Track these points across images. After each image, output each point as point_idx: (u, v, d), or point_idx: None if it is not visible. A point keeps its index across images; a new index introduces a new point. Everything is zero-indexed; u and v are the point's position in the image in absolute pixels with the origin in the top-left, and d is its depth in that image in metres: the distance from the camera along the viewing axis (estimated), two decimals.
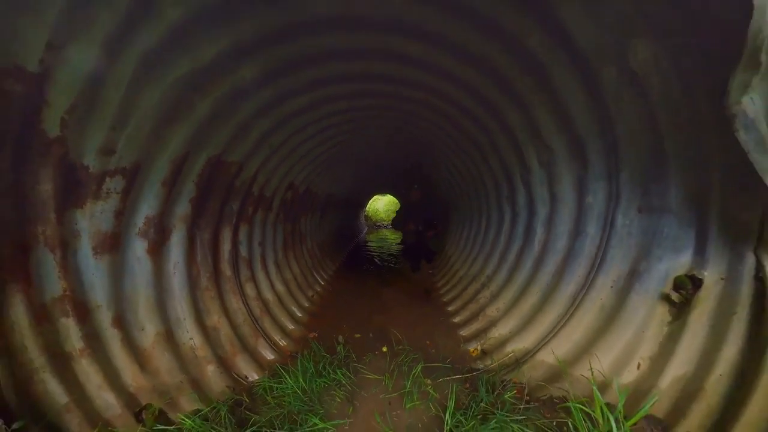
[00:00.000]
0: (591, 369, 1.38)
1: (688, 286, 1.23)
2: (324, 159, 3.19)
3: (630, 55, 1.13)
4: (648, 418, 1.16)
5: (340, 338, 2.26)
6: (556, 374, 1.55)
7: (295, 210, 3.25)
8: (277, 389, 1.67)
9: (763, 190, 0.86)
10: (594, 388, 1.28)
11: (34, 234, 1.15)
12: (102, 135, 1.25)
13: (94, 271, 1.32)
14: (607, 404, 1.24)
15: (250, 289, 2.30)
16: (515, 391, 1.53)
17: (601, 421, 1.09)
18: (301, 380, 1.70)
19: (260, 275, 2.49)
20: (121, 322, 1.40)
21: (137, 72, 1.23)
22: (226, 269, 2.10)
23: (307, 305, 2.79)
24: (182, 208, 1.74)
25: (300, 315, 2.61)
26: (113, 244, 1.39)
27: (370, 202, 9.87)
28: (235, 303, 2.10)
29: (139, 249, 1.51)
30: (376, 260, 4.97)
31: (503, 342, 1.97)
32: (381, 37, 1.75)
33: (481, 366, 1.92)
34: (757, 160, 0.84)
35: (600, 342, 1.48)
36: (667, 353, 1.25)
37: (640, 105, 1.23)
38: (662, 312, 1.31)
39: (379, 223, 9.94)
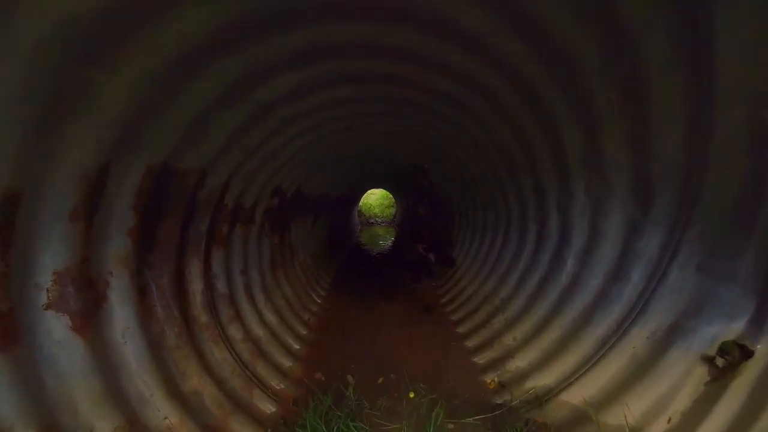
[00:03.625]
0: (625, 418, 1.43)
1: (735, 353, 1.25)
2: (318, 157, 2.70)
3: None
4: None
5: (350, 378, 2.11)
6: (582, 417, 1.61)
7: (284, 218, 2.80)
8: None
9: None
10: None
11: None
12: None
13: None
14: None
15: (235, 331, 1.96)
16: None
17: None
18: None
19: (246, 310, 2.13)
20: None
21: None
22: (201, 315, 1.72)
23: (304, 332, 2.55)
24: (117, 246, 1.27)
25: (297, 347, 2.37)
26: (7, 335, 0.92)
27: (363, 197, 9.40)
28: (218, 353, 1.76)
29: (56, 330, 1.06)
30: (373, 266, 4.79)
31: (523, 376, 2.01)
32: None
33: (500, 401, 1.95)
34: None
35: (630, 390, 1.54)
36: (700, 412, 1.32)
37: (749, 162, 1.09)
38: (701, 372, 1.36)
39: (372, 220, 9.62)
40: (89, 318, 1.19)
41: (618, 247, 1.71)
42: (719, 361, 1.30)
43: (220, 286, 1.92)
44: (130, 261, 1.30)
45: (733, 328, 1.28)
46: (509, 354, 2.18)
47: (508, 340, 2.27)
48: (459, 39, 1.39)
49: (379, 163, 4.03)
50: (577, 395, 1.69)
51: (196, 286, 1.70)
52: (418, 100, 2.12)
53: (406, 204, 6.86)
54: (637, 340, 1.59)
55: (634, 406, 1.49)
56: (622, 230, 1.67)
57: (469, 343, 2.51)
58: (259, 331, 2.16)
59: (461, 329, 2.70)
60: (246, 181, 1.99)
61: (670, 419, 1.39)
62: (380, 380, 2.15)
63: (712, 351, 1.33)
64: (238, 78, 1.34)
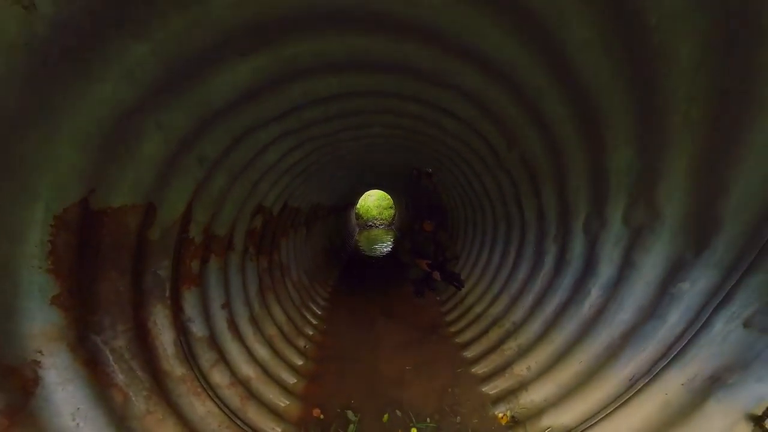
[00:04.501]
0: None
1: None
2: (305, 167, 2.36)
3: None
4: None
5: (351, 416, 1.93)
6: None
7: (271, 236, 2.47)
8: None
9: None
10: None
11: None
12: None
13: None
14: None
15: (219, 376, 1.70)
16: None
17: None
18: None
19: (232, 349, 1.86)
20: None
21: None
22: (176, 368, 1.44)
23: (300, 363, 2.32)
24: (40, 321, 0.97)
25: (294, 381, 2.14)
26: None
27: (360, 199, 9.08)
28: (200, 407, 1.51)
29: None
30: (372, 277, 4.55)
31: (538, 412, 1.90)
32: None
33: None
34: None
35: None
36: None
37: None
38: (745, 430, 1.26)
39: (370, 222, 9.33)
40: (18, 412, 0.91)
41: (655, 285, 1.55)
42: (767, 424, 1.19)
43: (197, 329, 1.63)
44: (66, 332, 1.00)
45: None
46: (523, 385, 2.06)
47: (522, 369, 2.15)
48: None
49: (377, 169, 3.71)
50: None
51: (165, 338, 1.40)
52: (413, 114, 1.82)
53: (406, 207, 6.60)
54: (671, 385, 1.48)
55: None
56: (662, 268, 1.50)
57: (478, 370, 2.38)
58: (248, 370, 1.90)
59: (468, 353, 2.56)
60: (214, 207, 1.65)
61: None
62: (385, 418, 1.99)
63: (759, 410, 1.23)
64: (173, 67, 1.01)
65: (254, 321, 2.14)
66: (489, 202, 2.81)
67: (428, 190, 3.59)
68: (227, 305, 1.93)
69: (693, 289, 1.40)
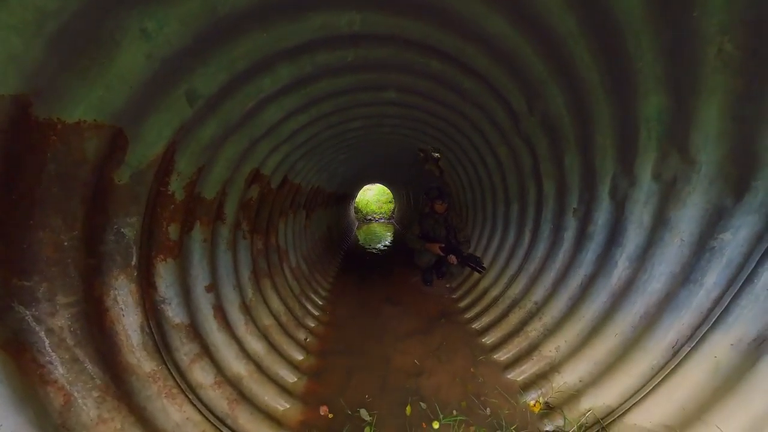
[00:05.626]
0: None
1: None
2: (309, 138, 2.20)
3: None
4: None
5: (365, 413, 1.67)
6: None
7: (268, 214, 2.23)
8: None
9: None
10: None
11: None
12: None
13: None
14: None
15: (202, 374, 1.41)
16: None
17: None
18: None
19: (219, 341, 1.58)
20: None
21: None
22: (143, 361, 1.16)
23: (301, 358, 2.03)
24: None
25: (294, 380, 1.85)
26: None
27: (359, 193, 9.09)
28: (175, 413, 1.21)
29: None
30: (375, 267, 4.35)
31: (574, 394, 1.75)
32: None
33: (551, 427, 1.66)
34: None
35: (718, 408, 1.33)
36: None
37: None
38: None
39: (370, 217, 9.26)
40: None
41: (692, 242, 1.51)
42: None
43: (173, 313, 1.34)
44: None
45: None
46: (553, 368, 1.92)
47: (550, 350, 2.01)
48: None
49: (380, 156, 3.61)
50: (649, 416, 1.46)
51: (129, 321, 1.11)
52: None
53: (409, 200, 6.51)
54: (719, 348, 1.40)
55: (725, 427, 1.28)
56: (699, 221, 1.47)
57: (501, 356, 2.21)
58: (239, 367, 1.60)
59: (488, 339, 2.39)
60: (203, 159, 1.38)
61: None
62: (408, 410, 1.74)
63: None
64: None
65: (247, 309, 1.85)
66: (502, 179, 2.76)
67: (434, 176, 3.53)
68: (214, 287, 1.63)
69: (735, 239, 1.36)
